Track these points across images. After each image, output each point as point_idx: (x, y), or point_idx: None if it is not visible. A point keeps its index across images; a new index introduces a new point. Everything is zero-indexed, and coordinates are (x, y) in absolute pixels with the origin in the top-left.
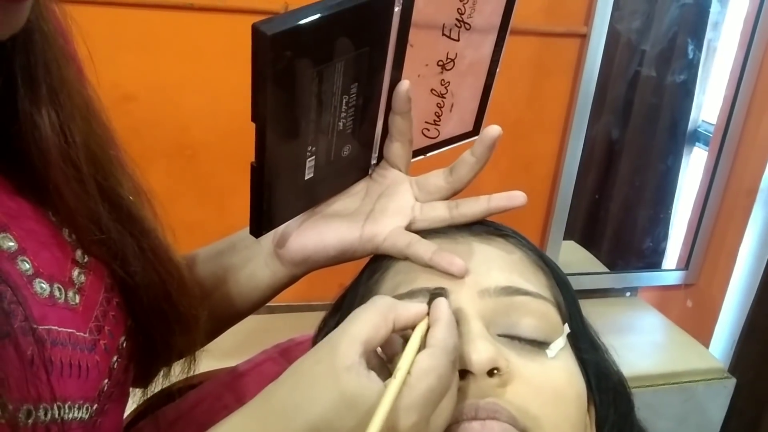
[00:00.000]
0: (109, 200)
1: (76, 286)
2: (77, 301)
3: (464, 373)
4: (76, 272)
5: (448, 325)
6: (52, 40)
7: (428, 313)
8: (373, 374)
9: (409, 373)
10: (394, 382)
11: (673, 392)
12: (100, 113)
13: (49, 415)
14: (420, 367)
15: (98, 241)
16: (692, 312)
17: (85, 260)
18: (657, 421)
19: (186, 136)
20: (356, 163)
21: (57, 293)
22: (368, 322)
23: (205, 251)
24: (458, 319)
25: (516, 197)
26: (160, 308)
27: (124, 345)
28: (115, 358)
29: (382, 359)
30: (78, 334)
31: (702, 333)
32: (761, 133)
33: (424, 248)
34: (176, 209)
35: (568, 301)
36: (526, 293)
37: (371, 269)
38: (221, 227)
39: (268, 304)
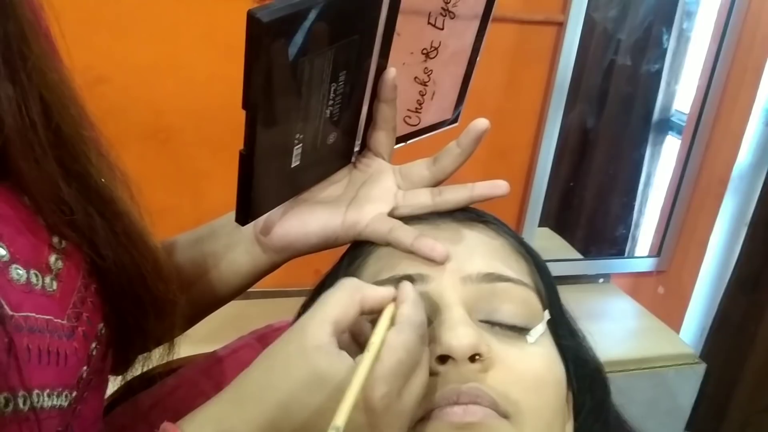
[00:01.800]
0: (77, 181)
1: (54, 272)
2: (54, 287)
3: (446, 359)
4: (53, 258)
5: (414, 303)
6: (17, 12)
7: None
8: (343, 353)
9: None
10: (367, 356)
11: (645, 377)
12: (72, 92)
13: (27, 403)
14: (389, 342)
15: (67, 223)
16: (664, 298)
17: (63, 245)
18: (628, 406)
19: (160, 120)
20: (340, 150)
21: (34, 279)
22: (337, 303)
23: (184, 238)
24: (440, 305)
25: (499, 186)
26: (135, 292)
27: (103, 331)
28: (93, 345)
29: (352, 342)
30: (56, 320)
31: (673, 319)
32: (733, 122)
33: (406, 234)
34: (150, 194)
35: (548, 287)
36: (507, 280)
37: (352, 255)
38: (196, 213)
39: None
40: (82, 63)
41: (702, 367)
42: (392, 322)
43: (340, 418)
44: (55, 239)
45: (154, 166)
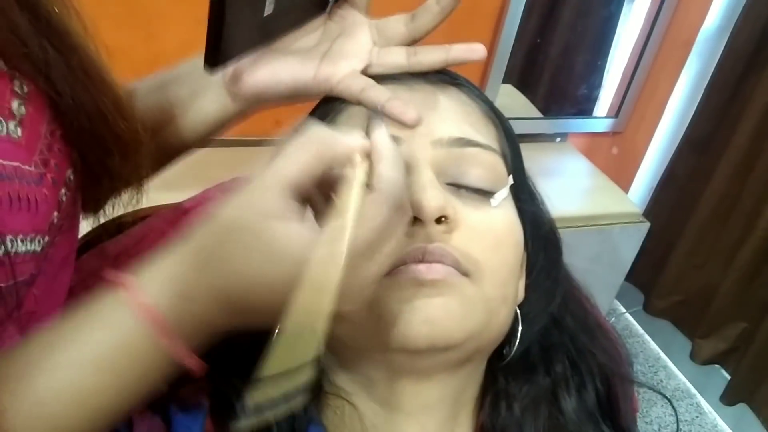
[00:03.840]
0: (29, 12)
1: (17, 118)
2: (19, 133)
3: (413, 219)
4: (15, 104)
5: (392, 162)
6: None
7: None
8: (305, 221)
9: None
10: (340, 239)
11: (591, 233)
12: None
13: (2, 249)
14: (368, 215)
15: (22, 57)
16: (617, 159)
17: (25, 91)
18: (573, 259)
19: None
20: None
21: None
22: (297, 162)
23: (147, 83)
24: (410, 166)
25: (476, 50)
26: (96, 131)
27: (71, 178)
28: (63, 191)
29: (317, 193)
30: (24, 167)
31: (623, 179)
32: None
33: (378, 94)
34: (98, 33)
35: (514, 153)
36: (477, 145)
37: (322, 111)
38: (148, 54)
39: None
40: None
41: (645, 226)
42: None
43: (321, 321)
44: (17, 84)
45: (102, 2)
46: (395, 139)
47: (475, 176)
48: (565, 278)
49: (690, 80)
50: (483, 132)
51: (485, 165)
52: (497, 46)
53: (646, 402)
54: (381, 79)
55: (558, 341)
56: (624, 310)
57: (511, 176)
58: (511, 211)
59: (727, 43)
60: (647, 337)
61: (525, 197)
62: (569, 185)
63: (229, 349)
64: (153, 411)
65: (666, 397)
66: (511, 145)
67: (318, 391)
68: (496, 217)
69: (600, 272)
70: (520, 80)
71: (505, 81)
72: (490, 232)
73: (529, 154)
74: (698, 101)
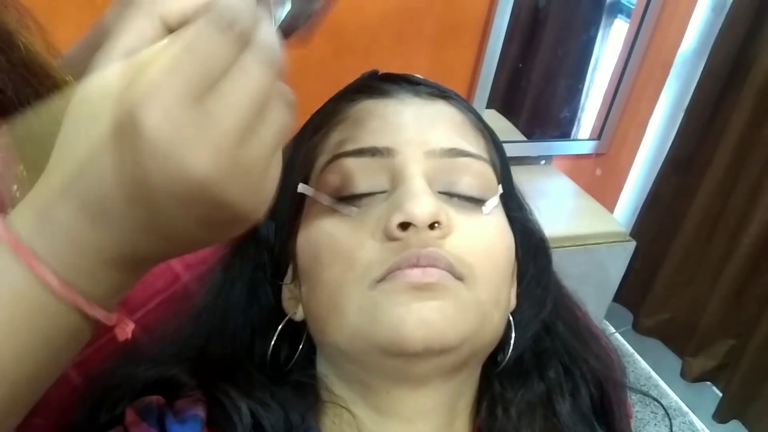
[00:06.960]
0: None
1: None
2: None
3: (407, 226)
4: None
5: None
6: None
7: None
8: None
9: None
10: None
11: (578, 253)
12: None
13: None
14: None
15: None
16: (601, 180)
17: None
18: (561, 279)
19: None
20: None
21: None
22: (131, 30)
23: (84, 42)
24: (403, 176)
25: None
26: None
27: (24, 174)
28: (15, 188)
29: None
30: None
31: (608, 199)
32: (681, 7)
33: None
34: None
35: (502, 163)
36: (468, 155)
37: (316, 124)
38: None
39: None
40: None
41: (632, 245)
42: None
43: None
44: None
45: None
46: (389, 151)
47: (466, 184)
48: (555, 286)
49: (670, 101)
50: (473, 143)
51: (476, 174)
52: (480, 72)
53: (639, 421)
54: (372, 95)
55: (550, 347)
56: (613, 330)
57: (500, 185)
58: (502, 219)
59: (705, 65)
60: (638, 356)
61: (514, 206)
62: (555, 206)
63: (225, 360)
64: (149, 422)
65: (660, 404)
66: (500, 156)
67: (315, 399)
68: (488, 223)
69: (588, 292)
70: (503, 105)
71: (488, 106)
72: (482, 238)
73: (515, 176)
74: (679, 121)
